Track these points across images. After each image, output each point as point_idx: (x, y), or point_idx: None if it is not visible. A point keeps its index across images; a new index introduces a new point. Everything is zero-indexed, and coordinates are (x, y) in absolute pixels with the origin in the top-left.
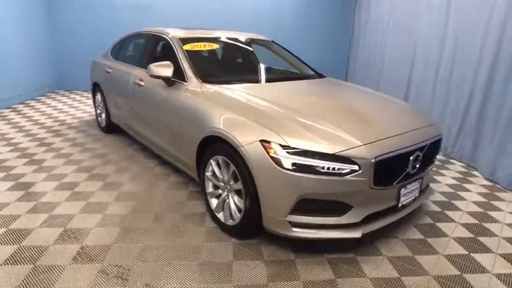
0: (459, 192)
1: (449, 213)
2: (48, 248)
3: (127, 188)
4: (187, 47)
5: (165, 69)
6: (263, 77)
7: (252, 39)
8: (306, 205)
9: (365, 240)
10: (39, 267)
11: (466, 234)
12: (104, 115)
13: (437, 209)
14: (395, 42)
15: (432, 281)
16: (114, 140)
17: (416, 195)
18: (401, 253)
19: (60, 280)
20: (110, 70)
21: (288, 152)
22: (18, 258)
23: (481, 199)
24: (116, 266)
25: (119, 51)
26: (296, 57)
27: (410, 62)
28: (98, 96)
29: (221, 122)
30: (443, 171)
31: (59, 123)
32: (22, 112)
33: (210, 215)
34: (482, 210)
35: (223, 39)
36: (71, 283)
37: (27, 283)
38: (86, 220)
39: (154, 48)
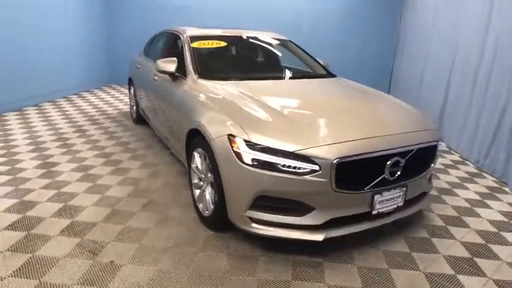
0: (476, 208)
1: (452, 229)
2: (44, 219)
3: (133, 174)
4: (195, 44)
5: (169, 64)
6: (265, 74)
7: (266, 38)
8: (266, 202)
9: (340, 246)
10: (31, 235)
11: (463, 253)
12: (134, 107)
13: (440, 223)
14: (436, 51)
15: None
16: (141, 130)
17: (400, 204)
18: (376, 264)
19: (43, 248)
20: (139, 66)
21: (249, 147)
22: (17, 225)
23: (501, 218)
24: (93, 241)
25: (148, 48)
26: (311, 56)
27: (448, 73)
28: (132, 90)
29: (202, 116)
30: (469, 185)
31: (100, 113)
32: (74, 102)
33: (194, 206)
34: (495, 231)
35: (236, 37)
36: (50, 252)
37: (15, 248)
38: (86, 199)
39: (172, 45)
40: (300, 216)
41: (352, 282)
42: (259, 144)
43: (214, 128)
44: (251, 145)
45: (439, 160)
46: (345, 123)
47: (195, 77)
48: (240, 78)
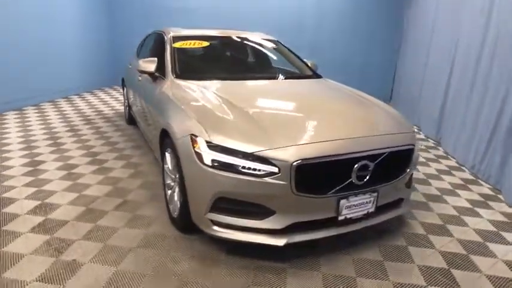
0: (464, 217)
1: (433, 237)
2: (19, 216)
3: (114, 174)
4: (178, 44)
5: (149, 64)
6: (246, 75)
7: (253, 38)
8: (226, 204)
9: (310, 252)
10: (2, 231)
11: (440, 264)
12: (127, 108)
13: (421, 231)
14: (435, 53)
15: None
16: (132, 131)
17: (371, 210)
18: (343, 272)
19: (11, 244)
20: (130, 66)
21: (210, 148)
22: None
23: (489, 227)
24: (61, 239)
25: (140, 49)
26: (298, 57)
27: (448, 75)
28: (125, 91)
29: (171, 115)
30: (461, 192)
31: (97, 113)
32: (73, 102)
33: (166, 207)
34: (480, 241)
35: (220, 38)
36: (17, 248)
37: None
38: (63, 197)
39: (158, 46)
40: (260, 219)
41: None
42: (220, 145)
43: (179, 128)
44: (212, 146)
45: (435, 166)
46: (312, 125)
47: (172, 76)
48: (218, 78)
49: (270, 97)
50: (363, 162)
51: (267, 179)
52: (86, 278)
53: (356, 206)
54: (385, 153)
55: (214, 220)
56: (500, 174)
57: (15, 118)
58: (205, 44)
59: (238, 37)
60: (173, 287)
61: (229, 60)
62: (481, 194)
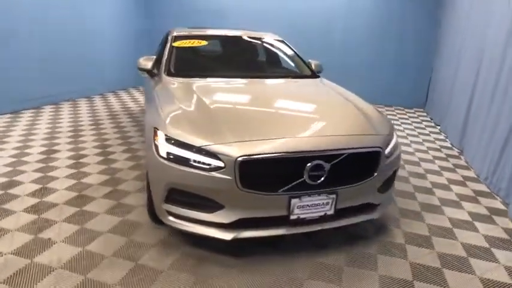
0: (457, 230)
1: (411, 248)
2: (19, 197)
3: (116, 165)
4: (177, 43)
5: (147, 62)
6: (239, 73)
7: (257, 38)
8: (179, 196)
9: (270, 251)
10: (1, 209)
11: (405, 275)
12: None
13: (399, 240)
14: (465, 60)
15: None
16: None
17: (329, 212)
18: (296, 274)
19: (3, 221)
20: None
21: (166, 141)
22: None
23: (481, 243)
24: (46, 220)
25: (158, 48)
26: (299, 57)
27: (473, 83)
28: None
29: (150, 110)
30: (467, 204)
31: (124, 110)
32: (107, 98)
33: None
34: (464, 256)
35: (223, 37)
36: (7, 224)
37: None
38: (62, 183)
39: (162, 45)
40: (210, 213)
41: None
42: (175, 139)
43: (149, 122)
44: (168, 139)
45: (448, 175)
46: (270, 123)
47: (163, 74)
48: (209, 76)
49: (245, 95)
50: (316, 162)
51: (214, 174)
52: (52, 255)
53: (310, 207)
54: (344, 154)
55: (169, 211)
56: (510, 187)
57: (50, 111)
58: (204, 43)
59: (241, 36)
60: (125, 269)
61: (226, 58)
62: (488, 208)
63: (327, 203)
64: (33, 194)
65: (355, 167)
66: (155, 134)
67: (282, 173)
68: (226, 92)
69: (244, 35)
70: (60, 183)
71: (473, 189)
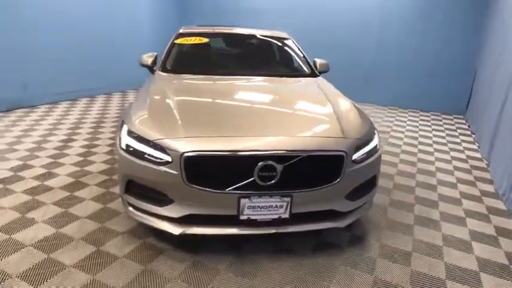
0: (448, 249)
1: (381, 263)
2: (24, 179)
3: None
4: (180, 40)
5: (148, 58)
6: (232, 70)
7: (262, 36)
8: (136, 188)
9: (229, 249)
10: (5, 189)
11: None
12: None
13: (372, 254)
14: (501, 68)
15: None
16: None
17: (284, 215)
18: (245, 276)
19: (3, 199)
20: None
21: (128, 134)
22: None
23: (470, 266)
24: (37, 201)
25: None
26: (303, 56)
27: (505, 93)
28: None
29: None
30: (472, 221)
31: None
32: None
33: None
34: (441, 277)
35: (227, 35)
36: (5, 202)
37: None
38: (66, 170)
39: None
40: (161, 206)
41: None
42: (133, 132)
43: (126, 115)
44: (129, 132)
45: (464, 188)
46: (231, 121)
47: (158, 70)
48: (201, 72)
49: (224, 93)
50: (267, 162)
51: (162, 168)
52: (28, 233)
53: (262, 208)
54: (298, 156)
55: (129, 202)
56: None
57: (84, 104)
58: (205, 40)
59: (246, 35)
60: (86, 253)
61: (225, 56)
62: (497, 228)
63: (281, 206)
64: (37, 178)
65: (314, 171)
66: (121, 127)
67: (231, 171)
68: (205, 89)
69: (250, 33)
70: (64, 170)
71: (488, 206)
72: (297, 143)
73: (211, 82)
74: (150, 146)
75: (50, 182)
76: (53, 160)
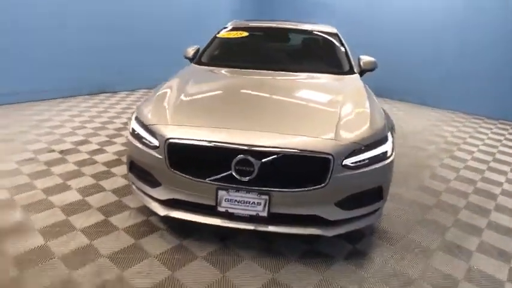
0: (466, 284)
1: (374, 283)
2: (80, 152)
3: None
4: (221, 34)
5: (190, 51)
6: (262, 65)
7: (305, 30)
8: (135, 169)
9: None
10: (62, 158)
11: None
12: None
13: (368, 273)
14: None
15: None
16: None
17: (262, 213)
18: (222, 260)
19: (56, 167)
20: None
21: (135, 119)
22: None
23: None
24: (79, 172)
25: None
26: (345, 53)
27: None
28: None
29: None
30: (481, 239)
31: None
32: None
33: None
34: None
35: (268, 29)
36: (56, 170)
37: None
38: (115, 148)
39: None
40: (152, 188)
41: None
42: (138, 117)
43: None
44: (136, 117)
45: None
46: (227, 113)
47: (193, 62)
48: (233, 66)
49: (239, 86)
50: (243, 156)
51: (152, 151)
52: (61, 197)
53: (240, 203)
54: (278, 154)
55: (132, 181)
56: None
57: (143, 94)
58: (244, 34)
59: (289, 29)
60: (96, 220)
61: (262, 50)
62: None
63: (259, 203)
64: (89, 152)
65: (297, 171)
66: (133, 113)
67: (210, 162)
68: (225, 82)
69: (294, 27)
70: (112, 148)
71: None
72: (277, 141)
73: (235, 76)
74: (146, 131)
75: (96, 157)
76: (108, 139)
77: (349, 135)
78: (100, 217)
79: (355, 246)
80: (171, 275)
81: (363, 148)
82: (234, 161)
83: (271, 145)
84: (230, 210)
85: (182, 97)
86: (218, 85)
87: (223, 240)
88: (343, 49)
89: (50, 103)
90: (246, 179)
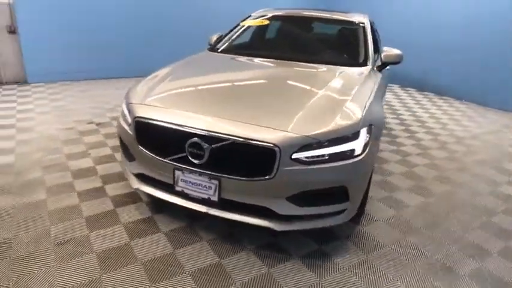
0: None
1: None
2: (115, 126)
3: None
4: (245, 22)
5: (212, 38)
6: (275, 54)
7: (332, 19)
8: (122, 145)
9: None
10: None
11: None
12: None
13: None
14: None
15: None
16: None
17: (213, 198)
18: (179, 239)
19: (89, 136)
20: None
21: (124, 98)
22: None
23: None
24: (103, 143)
25: None
26: (364, 44)
27: None
28: None
29: None
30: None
31: None
32: None
33: None
34: None
35: (293, 17)
36: (88, 139)
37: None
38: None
39: None
40: (129, 161)
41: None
42: (125, 96)
43: None
44: (124, 96)
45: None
46: (206, 99)
47: (208, 48)
48: (245, 54)
49: (236, 73)
50: (196, 140)
51: (127, 128)
52: (77, 163)
53: (193, 185)
54: (227, 140)
55: (122, 156)
56: None
57: None
58: (266, 22)
59: (315, 18)
60: (94, 186)
61: (277, 39)
62: None
63: (210, 187)
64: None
65: (245, 160)
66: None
67: (170, 142)
68: (219, 68)
69: (317, 16)
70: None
71: None
72: (228, 127)
73: (236, 63)
74: (126, 109)
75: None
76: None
77: (304, 128)
78: (98, 184)
79: (320, 247)
80: (128, 243)
81: (326, 143)
82: (188, 143)
83: (221, 131)
84: (185, 191)
85: (167, 80)
86: (211, 71)
87: (192, 220)
88: (363, 39)
89: (108, 82)
90: (198, 162)
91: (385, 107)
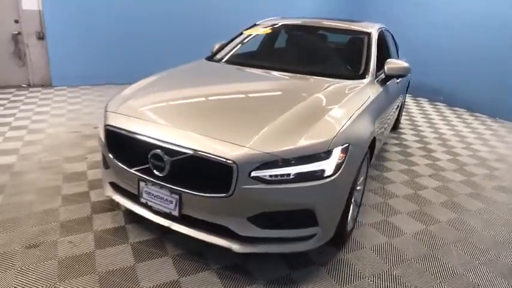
0: None
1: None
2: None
3: None
4: (247, 31)
5: (215, 46)
6: (272, 64)
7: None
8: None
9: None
10: None
11: None
12: None
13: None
14: None
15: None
16: None
17: (174, 212)
18: (147, 250)
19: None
20: None
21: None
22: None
23: None
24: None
25: None
26: (367, 55)
27: None
28: None
29: None
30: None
31: None
32: None
33: None
34: None
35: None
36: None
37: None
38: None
39: None
40: (105, 169)
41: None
42: (108, 100)
43: None
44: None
45: None
46: (182, 110)
47: (206, 57)
48: (241, 64)
49: (222, 84)
50: (157, 151)
51: (102, 136)
52: (48, 162)
53: (156, 198)
54: (186, 153)
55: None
56: None
57: None
58: (268, 31)
59: (320, 28)
60: (80, 185)
61: (274, 50)
62: None
63: (171, 202)
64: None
65: (204, 175)
66: None
67: (136, 153)
68: (204, 78)
69: (321, 26)
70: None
71: None
72: (187, 140)
73: (228, 73)
74: (104, 116)
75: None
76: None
77: (267, 144)
78: (85, 189)
79: (290, 274)
80: (92, 251)
81: (293, 161)
82: (150, 154)
83: (180, 144)
84: (149, 203)
85: (147, 88)
86: (195, 81)
87: (163, 233)
88: (365, 50)
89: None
90: (160, 174)
91: (405, 121)
